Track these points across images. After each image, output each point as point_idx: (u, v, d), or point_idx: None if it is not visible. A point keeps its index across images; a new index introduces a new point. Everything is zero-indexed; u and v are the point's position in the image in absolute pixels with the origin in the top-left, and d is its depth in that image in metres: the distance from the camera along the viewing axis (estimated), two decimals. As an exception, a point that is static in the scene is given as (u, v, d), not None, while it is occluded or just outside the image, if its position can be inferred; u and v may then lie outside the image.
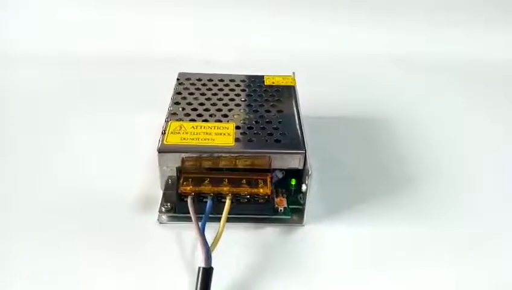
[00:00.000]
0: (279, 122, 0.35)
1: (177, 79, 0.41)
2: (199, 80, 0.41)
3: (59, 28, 0.65)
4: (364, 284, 0.30)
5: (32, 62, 0.59)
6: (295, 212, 0.34)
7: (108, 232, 0.32)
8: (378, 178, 0.39)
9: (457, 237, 0.33)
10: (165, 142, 0.32)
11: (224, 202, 0.32)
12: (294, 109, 0.37)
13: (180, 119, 0.35)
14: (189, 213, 0.31)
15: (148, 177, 0.37)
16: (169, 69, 0.44)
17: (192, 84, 0.41)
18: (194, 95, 0.39)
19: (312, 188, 0.32)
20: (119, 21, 0.65)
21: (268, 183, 0.33)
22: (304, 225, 0.33)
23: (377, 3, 0.67)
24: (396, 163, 0.42)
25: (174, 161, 0.32)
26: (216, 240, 0.29)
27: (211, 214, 0.31)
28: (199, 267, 0.27)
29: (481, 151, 0.44)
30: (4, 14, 0.66)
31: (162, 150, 0.32)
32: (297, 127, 0.35)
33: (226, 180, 0.32)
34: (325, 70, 0.60)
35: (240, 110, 0.37)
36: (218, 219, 0.30)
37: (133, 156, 0.40)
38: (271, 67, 0.44)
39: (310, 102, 0.42)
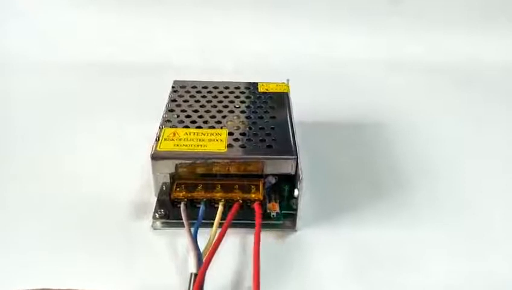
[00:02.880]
0: (272, 128, 0.36)
1: (172, 87, 0.42)
2: (194, 87, 0.42)
3: (57, 36, 0.65)
4: (358, 288, 0.30)
5: (30, 69, 0.59)
6: (288, 217, 0.34)
7: (103, 238, 0.33)
8: (373, 183, 0.40)
9: (453, 241, 0.33)
10: (158, 148, 0.33)
11: (217, 208, 0.32)
12: (287, 115, 0.38)
13: (174, 126, 0.35)
14: (182, 219, 0.31)
15: (142, 184, 0.37)
16: (166, 76, 0.44)
17: (187, 91, 0.41)
18: (189, 102, 0.39)
19: (305, 193, 0.32)
20: (117, 29, 0.66)
21: (261, 188, 0.33)
22: (296, 230, 0.34)
23: (375, 7, 0.68)
24: (392, 168, 0.42)
25: (167, 167, 0.33)
26: (208, 245, 0.29)
27: (205, 219, 0.31)
28: (191, 273, 0.28)
29: (480, 155, 0.44)
30: (3, 19, 0.66)
31: (155, 157, 0.32)
32: (290, 133, 0.35)
33: (219, 186, 0.33)
34: (324, 75, 0.60)
35: (233, 116, 0.37)
36: (212, 225, 0.31)
37: (128, 162, 0.40)
38: (266, 74, 0.45)
39: (304, 108, 0.43)
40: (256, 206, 0.32)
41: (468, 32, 0.67)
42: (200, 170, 0.33)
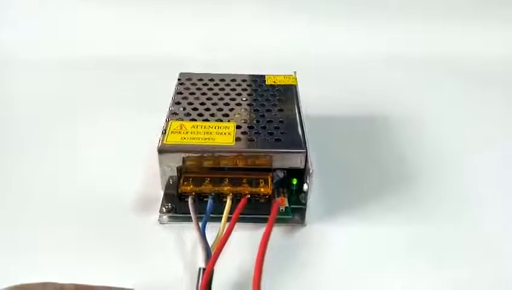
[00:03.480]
0: (280, 121, 0.35)
1: (178, 79, 0.41)
2: (200, 79, 0.41)
3: (60, 30, 0.65)
4: (366, 283, 0.29)
5: (32, 65, 0.59)
6: (296, 211, 0.33)
7: (109, 233, 0.32)
8: (380, 177, 0.39)
9: (462, 235, 0.33)
10: (165, 141, 0.32)
11: (225, 202, 0.32)
12: (296, 108, 0.37)
13: (181, 119, 0.35)
14: (190, 213, 0.31)
15: (149, 178, 0.37)
16: (172, 69, 0.43)
17: (193, 84, 0.40)
18: (195, 95, 0.39)
19: (313, 188, 0.32)
20: (120, 22, 0.66)
21: (269, 182, 0.32)
22: (305, 225, 0.33)
23: (376, 2, 0.67)
24: (398, 162, 0.41)
25: (174, 161, 0.32)
26: (217, 240, 0.29)
27: (212, 213, 0.31)
28: (200, 268, 0.27)
29: (481, 149, 0.44)
30: (4, 16, 0.66)
31: (162, 150, 0.32)
32: (299, 126, 0.35)
33: (227, 180, 0.32)
34: (327, 69, 0.60)
35: (240, 109, 0.37)
36: (220, 219, 0.30)
37: (134, 156, 0.40)
38: (273, 67, 0.44)
39: (312, 101, 0.42)
40: (275, 203, 0.32)
41: (469, 25, 0.66)
42: (207, 164, 0.32)
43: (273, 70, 0.43)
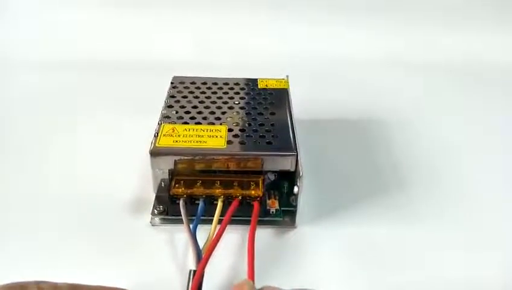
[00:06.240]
0: (272, 124, 0.35)
1: (171, 82, 0.42)
2: (193, 83, 0.41)
3: (57, 32, 0.65)
4: (357, 286, 0.30)
5: (30, 66, 0.59)
6: (287, 214, 0.34)
7: (101, 234, 0.32)
8: (372, 180, 0.39)
9: (453, 240, 0.33)
10: (157, 144, 0.33)
11: (217, 204, 0.32)
12: (287, 111, 0.38)
13: (173, 122, 0.35)
14: (181, 215, 0.31)
15: (141, 180, 0.37)
16: (166, 73, 0.44)
17: (186, 87, 0.41)
18: (188, 98, 0.39)
19: (304, 190, 0.32)
20: (116, 25, 0.66)
21: (260, 185, 0.33)
22: (296, 227, 0.33)
23: (375, 4, 0.67)
24: (392, 165, 0.42)
25: (166, 164, 0.33)
26: (208, 242, 0.29)
27: (204, 216, 0.31)
28: (190, 270, 0.27)
29: (479, 153, 0.44)
30: (3, 17, 0.66)
31: (154, 153, 0.32)
32: (290, 129, 0.35)
33: (218, 183, 0.33)
34: (322, 73, 0.60)
35: (232, 112, 0.37)
36: (211, 221, 0.30)
37: (127, 159, 0.40)
38: (266, 71, 0.45)
39: (305, 105, 0.42)
40: (255, 204, 0.32)
41: (469, 28, 0.67)
42: (199, 166, 0.33)
43: (267, 73, 0.44)
